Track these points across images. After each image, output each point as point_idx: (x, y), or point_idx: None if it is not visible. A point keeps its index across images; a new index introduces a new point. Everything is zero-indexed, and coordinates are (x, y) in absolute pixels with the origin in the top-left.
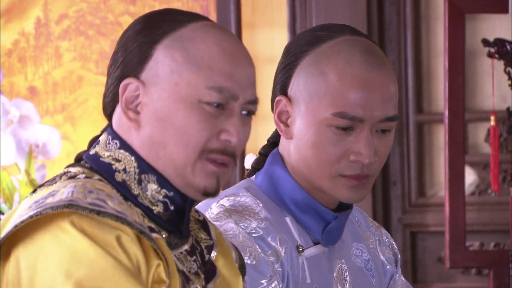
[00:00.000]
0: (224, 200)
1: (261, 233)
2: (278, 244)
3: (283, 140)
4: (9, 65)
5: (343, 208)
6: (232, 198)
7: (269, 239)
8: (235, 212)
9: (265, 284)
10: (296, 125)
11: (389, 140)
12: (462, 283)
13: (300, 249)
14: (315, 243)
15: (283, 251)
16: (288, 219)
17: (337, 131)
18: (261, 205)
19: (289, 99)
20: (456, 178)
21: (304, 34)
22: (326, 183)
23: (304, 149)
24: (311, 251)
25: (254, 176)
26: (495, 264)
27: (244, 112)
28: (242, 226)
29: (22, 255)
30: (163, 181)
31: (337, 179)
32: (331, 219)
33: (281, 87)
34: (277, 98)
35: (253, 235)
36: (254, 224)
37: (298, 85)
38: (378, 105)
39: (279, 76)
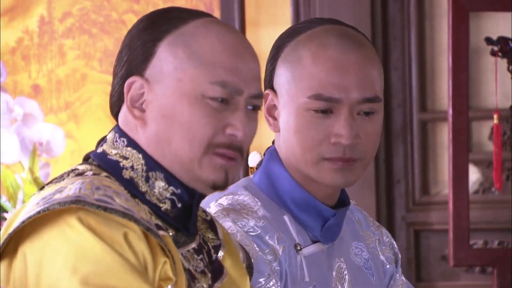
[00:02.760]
0: (222, 199)
1: (259, 231)
2: (276, 242)
3: (276, 135)
4: (13, 63)
5: (341, 204)
6: (231, 197)
7: (267, 237)
8: (233, 211)
9: (263, 282)
10: (281, 116)
11: (375, 123)
12: (466, 281)
13: (298, 248)
14: (314, 241)
15: (281, 250)
16: (286, 218)
17: (316, 114)
18: (259, 203)
19: (275, 92)
20: (460, 176)
21: (287, 29)
22: (311, 169)
23: (288, 138)
24: (309, 249)
25: (252, 174)
26: (499, 262)
27: (249, 107)
28: (240, 225)
29: (28, 250)
30: (170, 179)
31: (320, 163)
32: (330, 216)
33: (268, 81)
34: (264, 93)
35: (251, 233)
36: (252, 223)
37: (279, 76)
38: (354, 86)
39: (266, 72)
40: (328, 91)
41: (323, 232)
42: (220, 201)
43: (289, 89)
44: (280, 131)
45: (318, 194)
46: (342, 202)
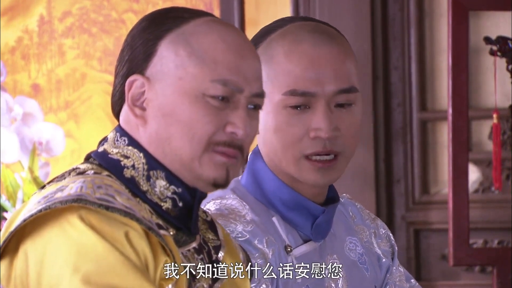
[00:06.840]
0: (210, 204)
1: (247, 236)
2: (265, 246)
3: (257, 137)
4: (12, 62)
5: (331, 201)
6: (219, 201)
7: (255, 242)
8: (221, 216)
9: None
10: (260, 116)
11: (353, 114)
12: (465, 280)
13: (289, 249)
14: (306, 241)
15: (271, 253)
16: (275, 219)
17: (292, 111)
18: (247, 207)
19: None
20: (459, 175)
21: (260, 30)
22: (292, 167)
23: (268, 137)
24: (301, 249)
25: (240, 176)
26: (499, 262)
27: (250, 106)
28: (227, 231)
29: (30, 249)
30: (171, 178)
31: (301, 162)
32: (319, 214)
33: None
34: None
35: (239, 239)
36: (240, 228)
37: None
38: (328, 79)
39: None
40: (303, 85)
41: (313, 230)
42: (208, 206)
43: (265, 88)
44: (259, 132)
45: (305, 192)
46: (331, 199)
